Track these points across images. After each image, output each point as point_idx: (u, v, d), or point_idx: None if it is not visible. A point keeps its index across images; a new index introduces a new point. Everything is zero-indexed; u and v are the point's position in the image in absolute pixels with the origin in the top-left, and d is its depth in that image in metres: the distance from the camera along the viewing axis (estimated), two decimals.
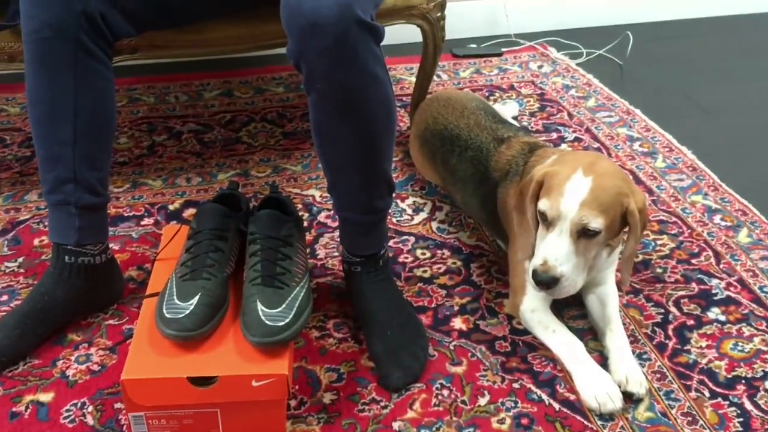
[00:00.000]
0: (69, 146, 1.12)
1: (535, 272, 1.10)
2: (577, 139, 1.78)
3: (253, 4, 1.38)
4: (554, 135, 1.79)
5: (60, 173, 1.13)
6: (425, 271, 1.36)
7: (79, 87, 1.10)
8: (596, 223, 1.08)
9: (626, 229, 1.14)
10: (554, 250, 1.09)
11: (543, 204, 1.11)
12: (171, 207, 1.50)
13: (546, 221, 1.11)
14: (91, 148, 1.15)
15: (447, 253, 1.41)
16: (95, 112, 1.14)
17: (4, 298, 1.26)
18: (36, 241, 1.38)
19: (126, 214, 1.47)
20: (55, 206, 1.15)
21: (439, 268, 1.37)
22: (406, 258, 1.39)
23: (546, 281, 1.10)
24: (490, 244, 1.43)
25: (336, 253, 1.38)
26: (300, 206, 1.51)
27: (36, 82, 1.11)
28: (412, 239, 1.44)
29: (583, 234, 1.09)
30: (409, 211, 1.52)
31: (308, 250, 1.34)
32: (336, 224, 1.25)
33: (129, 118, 1.79)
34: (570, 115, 1.88)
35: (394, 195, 1.23)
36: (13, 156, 1.63)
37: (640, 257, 1.40)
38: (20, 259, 1.34)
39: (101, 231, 1.20)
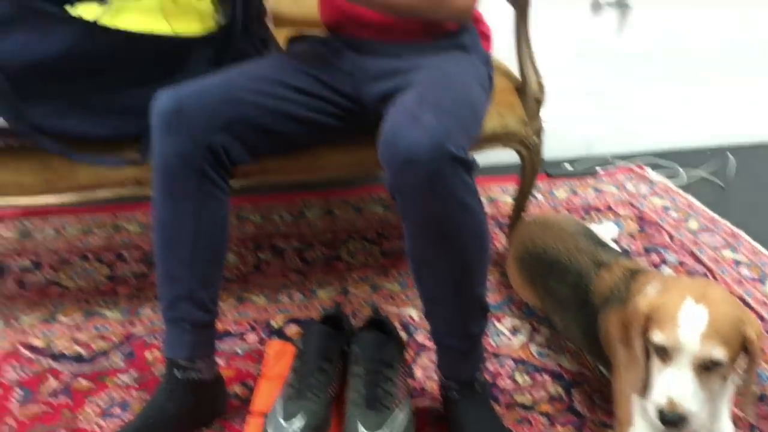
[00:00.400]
0: (187, 267, 1.19)
1: (661, 412, 1.06)
2: (680, 263, 1.74)
3: (359, 134, 1.46)
4: (655, 257, 1.76)
5: (177, 292, 1.20)
6: (525, 397, 1.34)
7: (200, 213, 1.19)
8: (720, 354, 1.04)
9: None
10: (678, 386, 1.05)
11: (658, 337, 1.08)
12: (274, 324, 1.55)
13: (662, 354, 1.08)
14: (206, 269, 1.22)
15: (547, 378, 1.38)
16: (212, 235, 1.22)
17: (117, 410, 1.31)
18: (149, 355, 1.45)
19: (231, 331, 1.52)
20: (171, 322, 1.21)
21: (540, 395, 1.34)
22: (506, 383, 1.37)
23: (674, 420, 1.05)
24: (593, 370, 1.40)
25: (435, 375, 1.38)
26: (397, 325, 1.52)
27: (162, 207, 1.20)
28: (511, 363, 1.42)
29: (705, 367, 1.05)
30: (507, 333, 1.51)
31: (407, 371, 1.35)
32: (434, 345, 1.26)
33: (237, 236, 1.88)
34: (671, 237, 1.85)
35: (490, 316, 1.24)
36: (131, 272, 1.74)
37: (756, 389, 1.33)
38: (134, 373, 1.40)
39: (210, 347, 1.25)
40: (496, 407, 1.28)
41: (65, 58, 1.28)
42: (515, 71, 1.64)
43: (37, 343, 1.48)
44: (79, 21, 1.27)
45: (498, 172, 2.13)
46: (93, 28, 1.28)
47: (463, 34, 1.36)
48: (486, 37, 1.44)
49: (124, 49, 1.31)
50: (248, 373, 1.40)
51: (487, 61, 1.41)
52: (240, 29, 1.41)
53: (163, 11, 1.40)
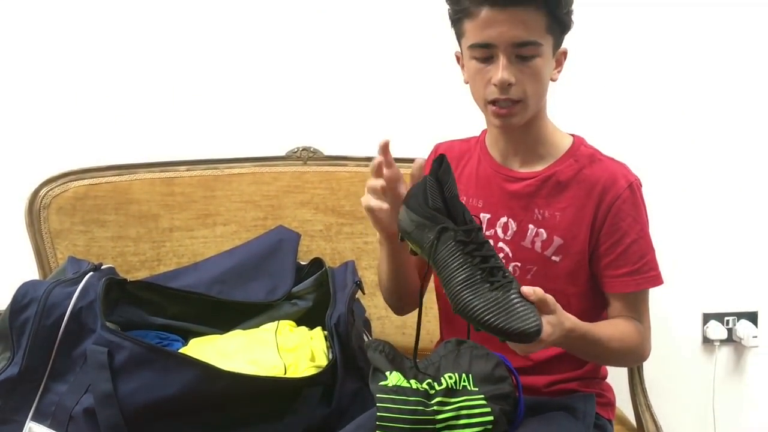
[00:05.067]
0: None
1: None
2: None
3: None
4: None
5: None
6: None
7: None
8: None
9: None
10: None
11: None
12: None
13: None
14: None
15: None
16: None
17: None
18: None
19: None
20: None
21: None
22: None
23: None
24: None
25: None
26: None
27: None
28: None
29: None
30: None
31: None
32: None
33: None
34: None
35: None
36: None
37: None
38: None
39: None
40: None
41: (182, 398, 1.31)
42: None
43: None
44: (201, 364, 1.33)
45: None
46: (212, 370, 1.32)
47: (578, 397, 1.33)
48: (609, 403, 1.40)
49: (238, 390, 1.34)
50: None
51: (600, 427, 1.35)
52: (344, 366, 1.43)
53: (277, 347, 1.46)
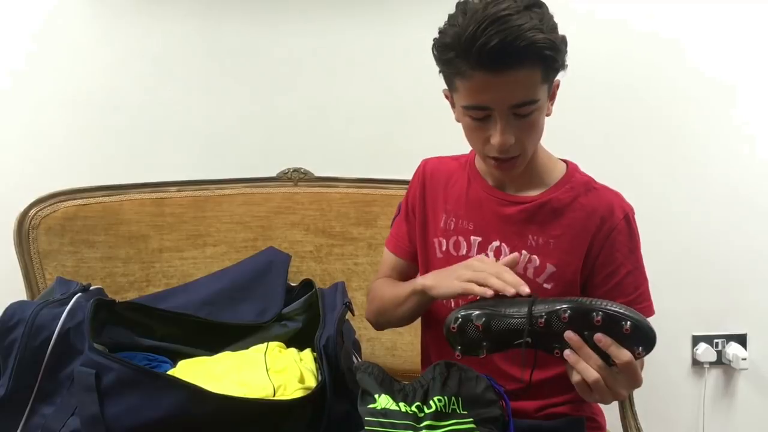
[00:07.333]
0: None
1: None
2: None
3: None
4: None
5: None
6: None
7: None
8: None
9: None
10: None
11: None
12: None
13: None
14: None
15: None
16: None
17: None
18: None
19: None
20: None
21: None
22: None
23: None
24: None
25: None
26: None
27: None
28: None
29: None
30: None
31: None
32: None
33: None
34: None
35: None
36: None
37: None
38: None
39: None
40: None
41: (170, 421, 1.30)
42: None
43: None
44: (189, 386, 1.32)
45: None
46: (200, 392, 1.31)
47: (568, 421, 1.32)
48: (600, 427, 1.40)
49: (226, 413, 1.33)
50: None
51: None
52: (333, 388, 1.42)
53: (267, 368, 1.45)
